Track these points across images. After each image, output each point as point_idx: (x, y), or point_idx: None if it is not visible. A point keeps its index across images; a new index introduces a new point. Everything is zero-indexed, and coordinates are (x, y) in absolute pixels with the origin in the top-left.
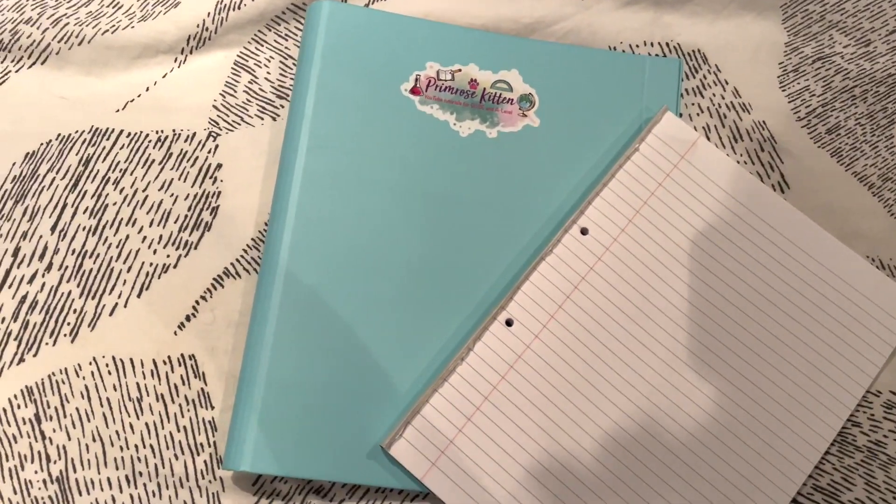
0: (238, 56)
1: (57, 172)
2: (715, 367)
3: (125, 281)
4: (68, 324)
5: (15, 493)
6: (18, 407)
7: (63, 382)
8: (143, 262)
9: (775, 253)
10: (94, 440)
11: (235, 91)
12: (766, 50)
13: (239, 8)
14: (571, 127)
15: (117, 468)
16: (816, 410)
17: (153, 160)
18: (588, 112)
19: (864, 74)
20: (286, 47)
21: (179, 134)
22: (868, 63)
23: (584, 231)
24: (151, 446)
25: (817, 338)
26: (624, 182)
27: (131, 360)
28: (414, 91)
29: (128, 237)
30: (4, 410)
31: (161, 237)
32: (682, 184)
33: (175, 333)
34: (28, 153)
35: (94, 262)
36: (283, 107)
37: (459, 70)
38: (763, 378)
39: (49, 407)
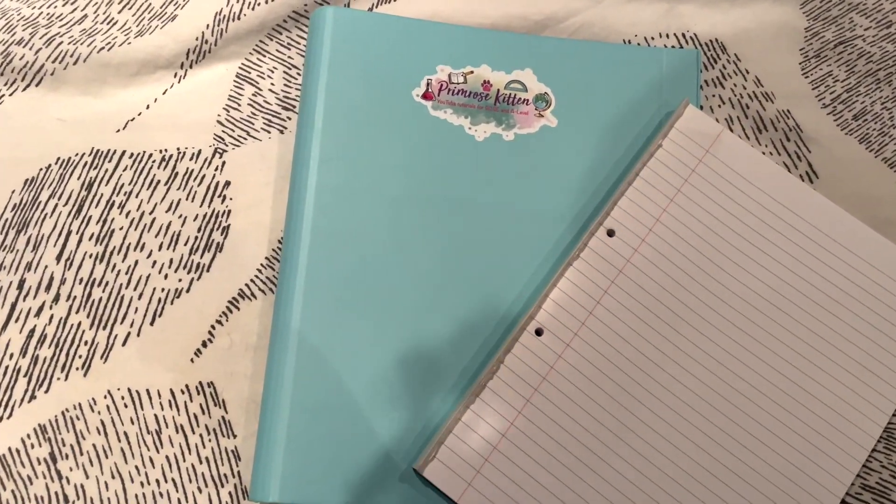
0: (240, 68)
1: (59, 198)
2: (755, 368)
3: (137, 308)
4: (80, 357)
5: None
6: (32, 447)
7: (78, 418)
8: (154, 288)
9: (809, 246)
10: (113, 477)
11: (240, 104)
12: (785, 36)
13: (238, 18)
14: (590, 125)
15: None
16: (860, 407)
17: (158, 181)
18: (606, 109)
19: (888, 56)
20: (289, 57)
21: (184, 152)
22: (891, 45)
23: (610, 233)
24: (173, 480)
25: (857, 331)
26: (649, 180)
27: (147, 391)
28: (426, 96)
29: (137, 263)
30: (18, 451)
31: (171, 261)
32: (709, 178)
33: (192, 361)
34: (27, 179)
35: (104, 291)
36: (290, 119)
37: (471, 72)
38: (804, 377)
39: (64, 445)
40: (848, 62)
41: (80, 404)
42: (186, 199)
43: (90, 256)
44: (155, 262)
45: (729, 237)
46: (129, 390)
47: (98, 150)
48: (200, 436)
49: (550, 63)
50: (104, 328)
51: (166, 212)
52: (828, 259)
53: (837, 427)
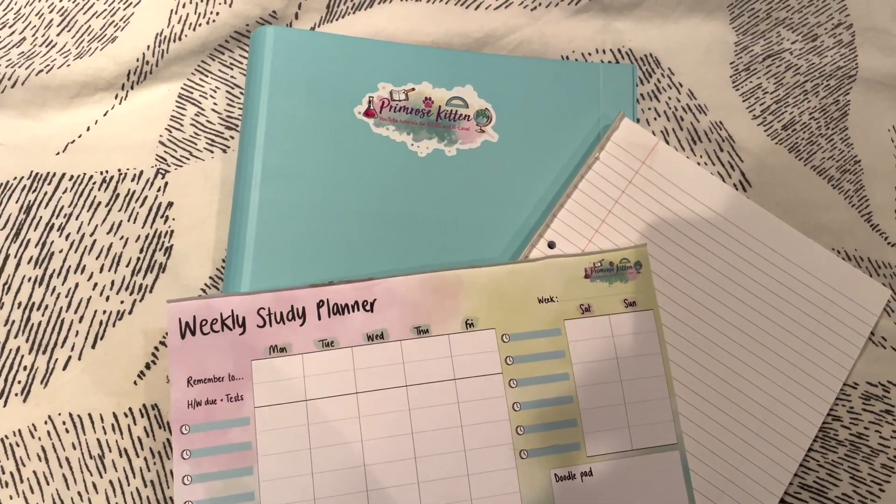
0: (182, 88)
1: None
2: (692, 371)
3: (77, 332)
4: (19, 382)
5: None
6: None
7: (17, 445)
8: (95, 311)
9: (742, 252)
10: None
11: (182, 125)
12: (716, 50)
13: (180, 39)
14: (530, 140)
15: None
16: (796, 407)
17: (99, 202)
18: (546, 123)
19: (814, 69)
20: (232, 76)
21: (125, 173)
22: (817, 57)
23: (551, 245)
24: None
25: (791, 334)
26: (587, 192)
27: (90, 415)
28: (368, 113)
29: (77, 285)
30: None
31: (113, 283)
32: (645, 189)
33: (135, 383)
34: None
35: (43, 315)
36: (233, 138)
37: (413, 89)
38: (741, 379)
39: (4, 472)
40: (776, 74)
41: (19, 430)
42: (128, 220)
43: (29, 280)
44: (96, 285)
45: (666, 246)
46: (70, 415)
47: (37, 174)
48: (145, 459)
49: (491, 79)
50: (44, 353)
51: (107, 233)
52: (761, 265)
53: (774, 427)
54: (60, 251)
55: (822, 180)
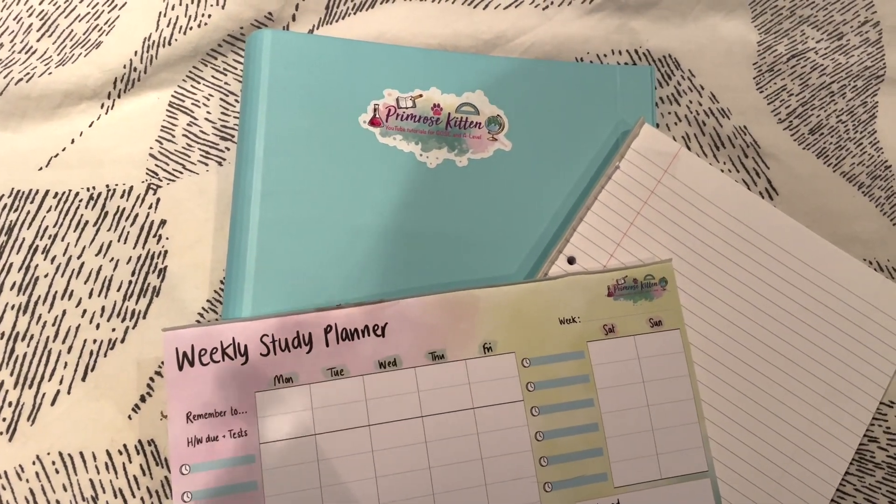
0: (173, 97)
1: None
2: (722, 393)
3: (66, 363)
4: (3, 419)
5: None
6: None
7: (4, 488)
8: (84, 340)
9: (771, 265)
10: None
11: (174, 136)
12: (738, 51)
13: (169, 44)
14: (545, 148)
15: None
16: (831, 429)
17: (86, 221)
18: (561, 130)
19: (841, 69)
20: (226, 83)
21: (114, 189)
22: (843, 57)
23: (571, 260)
24: None
25: (824, 351)
26: (607, 204)
27: (81, 453)
28: (373, 122)
29: (65, 312)
30: None
31: (104, 309)
32: (669, 200)
33: (129, 418)
34: None
35: (28, 346)
36: (228, 149)
37: (420, 95)
38: (772, 400)
39: None
40: (801, 75)
41: (5, 472)
42: (118, 240)
43: (12, 308)
44: (85, 311)
45: (691, 259)
46: (60, 454)
47: (18, 191)
48: (142, 499)
49: (502, 84)
50: (30, 387)
51: (96, 255)
52: (791, 278)
53: (808, 451)
54: (46, 275)
55: (852, 187)
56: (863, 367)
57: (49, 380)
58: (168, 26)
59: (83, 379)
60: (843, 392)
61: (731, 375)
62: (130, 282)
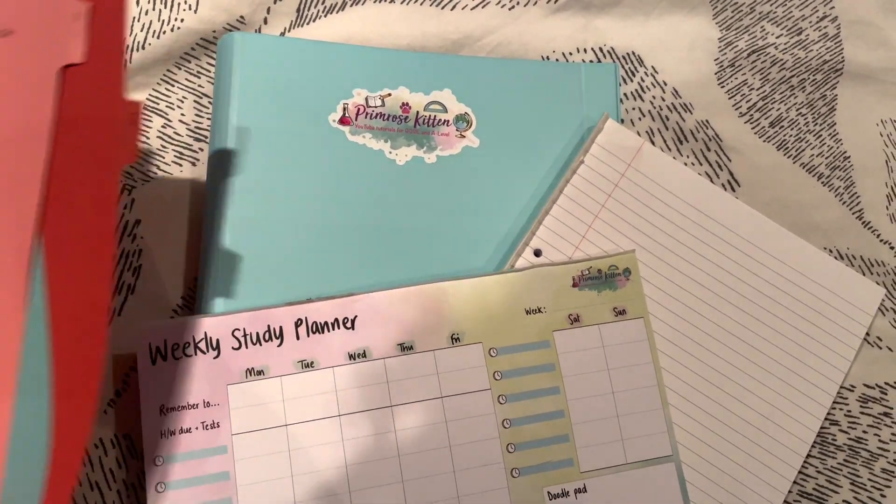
0: (147, 99)
1: None
2: (686, 379)
3: None
4: None
5: None
6: None
7: None
8: None
9: (733, 254)
10: None
11: (148, 137)
12: (700, 47)
13: (143, 48)
14: (512, 144)
15: None
16: (793, 413)
17: None
18: (528, 126)
19: (800, 63)
20: (199, 85)
21: None
22: (802, 51)
23: (537, 253)
24: None
25: (785, 337)
26: (572, 197)
27: None
28: (343, 121)
29: None
30: None
31: None
32: (633, 193)
33: (105, 412)
34: None
35: None
36: (202, 150)
37: (389, 95)
38: (735, 385)
39: None
40: (762, 70)
41: None
42: None
43: None
44: None
45: (655, 250)
46: None
47: None
48: (118, 492)
49: (469, 82)
50: None
51: None
52: (752, 267)
53: (771, 434)
54: None
55: (812, 178)
56: (823, 352)
57: None
58: (142, 31)
59: None
60: (804, 377)
61: (694, 362)
62: None
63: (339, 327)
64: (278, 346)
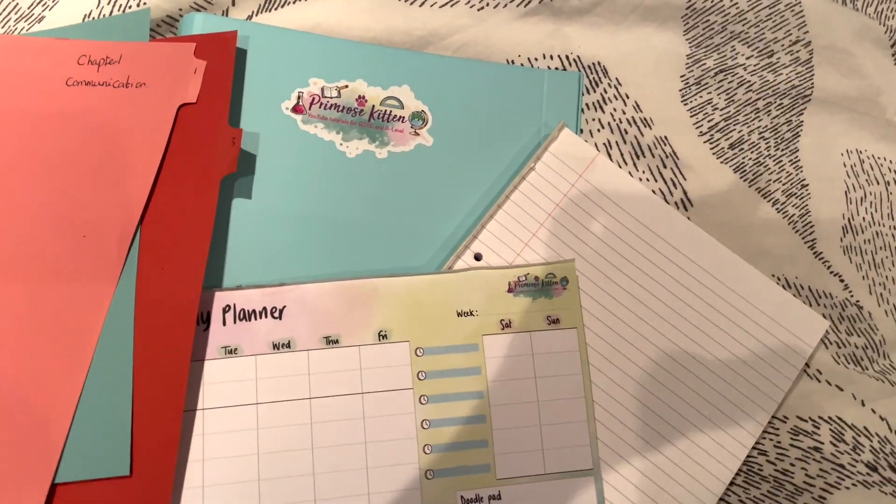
0: None
1: None
2: (616, 396)
3: None
4: None
5: None
6: None
7: None
8: None
9: (677, 274)
10: None
11: None
12: (667, 62)
13: None
14: (467, 146)
15: None
16: (720, 439)
17: None
18: (484, 130)
19: (768, 86)
20: None
21: None
22: (771, 74)
23: (477, 257)
24: None
25: (722, 363)
26: (519, 203)
27: None
28: (296, 109)
29: None
30: None
31: None
32: (580, 204)
33: None
34: None
35: None
36: None
37: (346, 86)
38: (665, 406)
39: None
40: (728, 90)
41: None
42: None
43: None
44: None
45: (598, 263)
46: None
47: None
48: None
49: (430, 80)
50: None
51: None
52: (696, 289)
53: (696, 459)
54: None
55: (766, 203)
56: (758, 380)
57: None
58: (109, 4)
59: None
60: (736, 403)
61: (626, 380)
62: None
63: (266, 316)
64: (204, 330)
